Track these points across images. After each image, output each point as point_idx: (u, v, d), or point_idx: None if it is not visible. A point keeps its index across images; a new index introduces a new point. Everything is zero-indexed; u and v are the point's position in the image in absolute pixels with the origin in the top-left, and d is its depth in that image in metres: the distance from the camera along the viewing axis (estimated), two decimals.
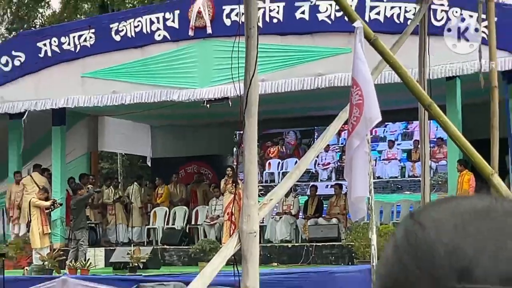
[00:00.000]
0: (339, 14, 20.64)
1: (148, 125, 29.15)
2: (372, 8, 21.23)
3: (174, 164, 28.65)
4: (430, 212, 1.08)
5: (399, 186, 25.96)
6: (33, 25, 38.59)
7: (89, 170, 28.79)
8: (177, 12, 24.59)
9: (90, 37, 24.74)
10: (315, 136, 27.03)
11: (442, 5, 19.95)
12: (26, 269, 23.95)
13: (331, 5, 20.52)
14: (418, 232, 1.00)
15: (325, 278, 20.17)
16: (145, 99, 24.28)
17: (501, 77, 17.52)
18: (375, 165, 23.70)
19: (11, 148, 27.56)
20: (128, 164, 28.50)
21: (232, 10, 22.84)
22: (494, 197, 1.11)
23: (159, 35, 24.53)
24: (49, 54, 25.11)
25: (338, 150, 21.08)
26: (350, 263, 21.43)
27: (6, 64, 25.57)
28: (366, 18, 20.20)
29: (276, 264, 21.77)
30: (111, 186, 28.79)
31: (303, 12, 21.71)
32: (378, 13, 21.10)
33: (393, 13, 20.78)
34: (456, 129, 10.41)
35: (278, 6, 22.24)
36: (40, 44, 25.47)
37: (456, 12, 20.21)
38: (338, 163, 26.34)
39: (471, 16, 19.35)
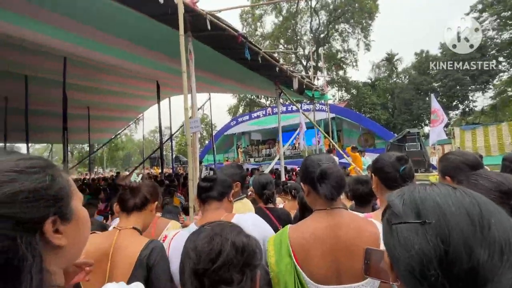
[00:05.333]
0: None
1: (260, 134, 22.79)
2: (305, 109, 16.88)
3: (266, 140, 22.41)
4: (312, 155, 0.98)
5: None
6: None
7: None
8: (263, 111, 20.72)
9: (247, 118, 21.30)
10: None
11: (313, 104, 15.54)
12: None
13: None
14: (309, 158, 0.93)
15: None
16: (262, 128, 20.35)
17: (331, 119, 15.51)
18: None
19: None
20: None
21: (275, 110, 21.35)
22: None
23: (261, 115, 20.81)
24: (239, 120, 21.50)
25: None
26: None
27: (232, 123, 21.77)
28: (303, 108, 19.02)
29: None
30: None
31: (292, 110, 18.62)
32: (307, 109, 16.31)
33: (308, 108, 15.95)
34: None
35: (292, 108, 19.02)
36: (239, 119, 21.89)
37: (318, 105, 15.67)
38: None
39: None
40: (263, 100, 30.40)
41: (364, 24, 25.55)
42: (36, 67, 5.57)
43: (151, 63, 5.10)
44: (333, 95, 30.11)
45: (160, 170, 13.44)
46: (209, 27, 2.85)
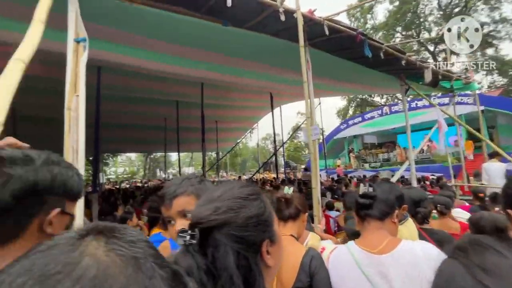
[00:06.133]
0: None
1: (375, 136, 19.33)
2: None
3: (383, 143, 19.24)
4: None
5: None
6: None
7: None
8: (379, 111, 18.05)
9: (359, 120, 18.45)
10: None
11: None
12: None
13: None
14: None
15: None
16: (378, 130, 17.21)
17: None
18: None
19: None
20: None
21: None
22: None
23: (376, 115, 17.82)
24: (350, 123, 18.80)
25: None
26: None
27: (342, 126, 18.66)
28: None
29: None
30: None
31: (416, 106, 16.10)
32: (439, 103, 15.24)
33: (440, 102, 13.00)
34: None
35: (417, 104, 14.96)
36: (350, 121, 19.22)
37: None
38: None
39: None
40: (377, 99, 27.32)
41: None
42: (183, 94, 7.17)
43: (266, 76, 5.56)
44: (479, 82, 23.45)
45: (272, 175, 14.26)
46: (327, 32, 2.80)
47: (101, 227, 0.26)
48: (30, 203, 0.53)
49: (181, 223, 0.77)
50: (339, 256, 1.01)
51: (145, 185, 13.66)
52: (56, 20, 1.55)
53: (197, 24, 2.95)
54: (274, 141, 8.57)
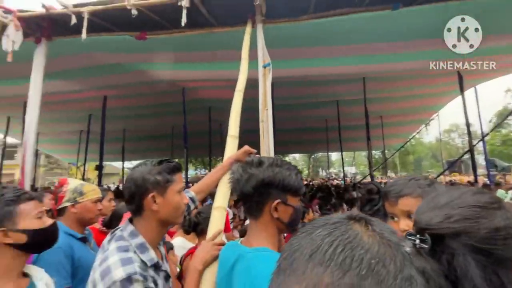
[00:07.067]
0: None
1: None
2: None
3: None
4: None
5: None
6: None
7: None
8: None
9: None
10: None
11: None
12: None
13: None
14: None
15: None
16: None
17: None
18: None
19: None
20: None
21: None
22: None
23: None
24: None
25: None
26: None
27: None
28: None
29: None
30: None
31: None
32: None
33: None
34: None
35: None
36: None
37: None
38: None
39: None
40: None
41: None
42: (343, 93, 7.08)
43: (450, 52, 4.43)
44: None
45: (466, 178, 10.92)
46: None
47: (362, 215, 0.31)
48: (262, 193, 0.77)
49: (405, 223, 0.79)
50: None
51: (310, 183, 14.64)
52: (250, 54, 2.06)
53: (353, 19, 2.86)
54: (469, 133, 6.47)
